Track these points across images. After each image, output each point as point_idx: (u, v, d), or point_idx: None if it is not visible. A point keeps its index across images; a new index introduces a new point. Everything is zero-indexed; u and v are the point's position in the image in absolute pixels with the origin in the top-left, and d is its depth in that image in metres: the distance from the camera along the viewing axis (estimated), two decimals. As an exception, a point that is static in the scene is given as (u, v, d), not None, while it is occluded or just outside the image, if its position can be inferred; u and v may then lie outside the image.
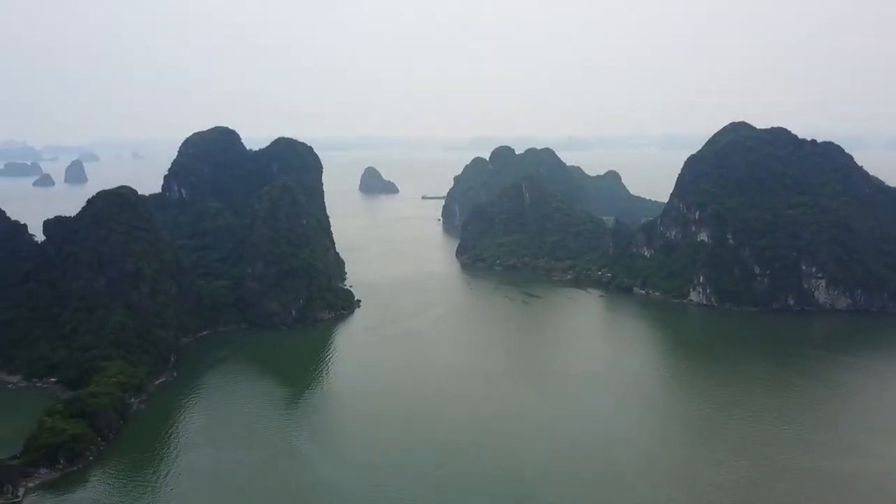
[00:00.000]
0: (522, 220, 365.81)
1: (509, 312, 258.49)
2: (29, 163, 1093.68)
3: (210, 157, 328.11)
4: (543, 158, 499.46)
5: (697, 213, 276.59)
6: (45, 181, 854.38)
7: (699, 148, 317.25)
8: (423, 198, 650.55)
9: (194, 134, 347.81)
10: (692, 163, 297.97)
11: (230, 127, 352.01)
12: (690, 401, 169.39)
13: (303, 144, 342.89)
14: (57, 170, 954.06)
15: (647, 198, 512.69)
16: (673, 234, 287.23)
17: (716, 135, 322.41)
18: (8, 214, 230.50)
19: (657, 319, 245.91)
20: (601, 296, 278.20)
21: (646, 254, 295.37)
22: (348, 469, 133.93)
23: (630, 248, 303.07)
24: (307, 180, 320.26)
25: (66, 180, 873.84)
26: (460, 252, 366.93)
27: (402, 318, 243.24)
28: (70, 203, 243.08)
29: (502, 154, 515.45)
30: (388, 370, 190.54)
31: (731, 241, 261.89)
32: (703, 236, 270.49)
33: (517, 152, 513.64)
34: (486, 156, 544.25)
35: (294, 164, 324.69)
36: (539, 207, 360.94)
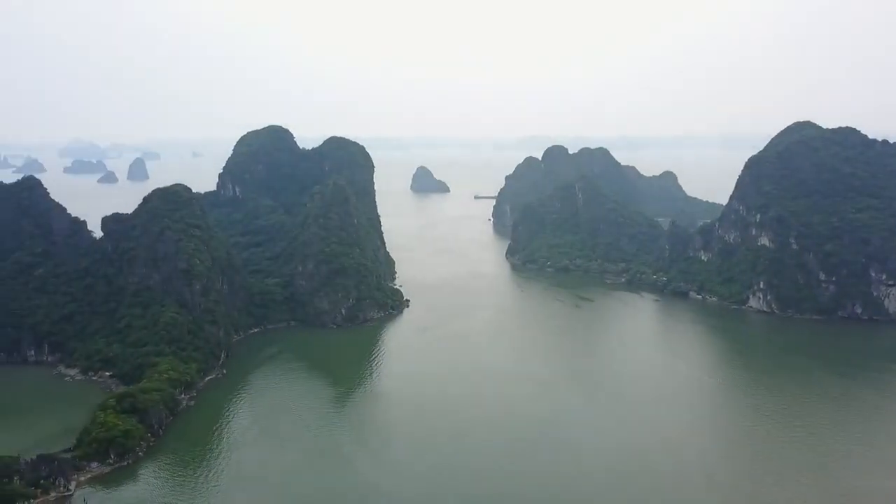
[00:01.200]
0: (575, 221, 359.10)
1: (560, 316, 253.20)
2: (95, 160, 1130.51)
3: (264, 155, 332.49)
4: (597, 158, 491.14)
5: (758, 216, 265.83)
6: (109, 178, 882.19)
7: (760, 148, 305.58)
8: (476, 197, 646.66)
9: (248, 133, 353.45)
10: (753, 163, 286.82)
11: (284, 126, 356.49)
12: (750, 413, 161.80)
13: (355, 143, 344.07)
14: (120, 167, 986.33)
15: (705, 199, 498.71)
16: (732, 237, 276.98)
17: (779, 135, 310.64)
18: (73, 210, 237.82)
19: (714, 326, 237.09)
20: (656, 300, 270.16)
21: (703, 257, 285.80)
22: (392, 474, 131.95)
23: (686, 251, 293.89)
24: (359, 179, 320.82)
25: (129, 177, 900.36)
26: (510, 253, 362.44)
27: (451, 319, 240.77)
28: (131, 199, 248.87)
29: (555, 153, 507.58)
30: (435, 372, 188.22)
31: (794, 246, 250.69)
32: (765, 240, 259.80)
33: (570, 152, 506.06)
34: (539, 155, 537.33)
35: (346, 163, 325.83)
36: (592, 208, 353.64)
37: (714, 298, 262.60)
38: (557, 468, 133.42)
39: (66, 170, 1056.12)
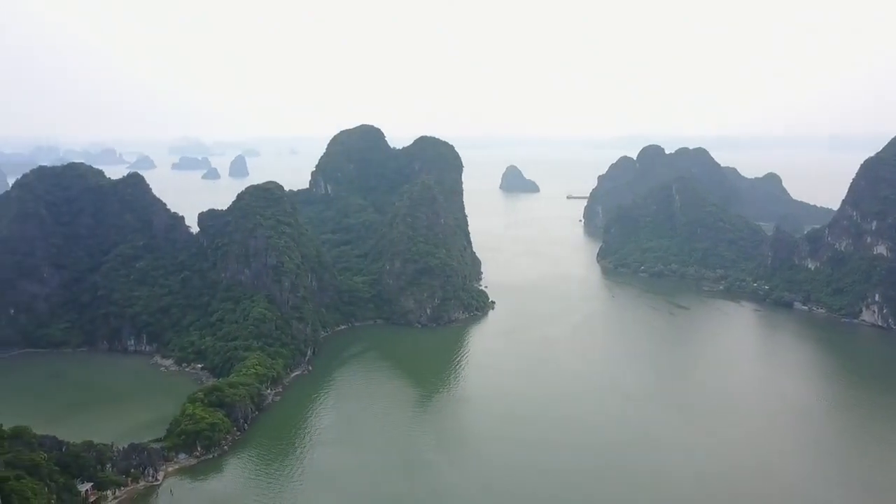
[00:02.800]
0: (671, 224, 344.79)
1: (653, 324, 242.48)
2: (200, 157, 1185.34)
3: (355, 154, 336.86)
4: (696, 158, 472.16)
5: (875, 224, 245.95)
6: (212, 174, 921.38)
7: (875, 150, 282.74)
8: (569, 197, 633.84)
9: (341, 132, 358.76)
10: (870, 166, 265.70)
11: (375, 125, 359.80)
12: (861, 438, 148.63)
13: (444, 143, 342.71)
14: (223, 164, 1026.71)
15: (812, 203, 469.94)
16: (843, 245, 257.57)
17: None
18: (175, 205, 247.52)
19: (821, 340, 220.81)
20: (756, 310, 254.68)
21: (810, 266, 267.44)
22: (472, 484, 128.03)
23: (791, 258, 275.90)
24: (447, 179, 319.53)
25: (231, 174, 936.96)
26: (602, 256, 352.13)
27: (538, 324, 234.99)
28: (231, 195, 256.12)
29: (651, 153, 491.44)
30: (519, 379, 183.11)
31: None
32: (882, 249, 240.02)
33: (667, 151, 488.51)
34: (633, 154, 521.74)
35: (435, 162, 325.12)
36: (690, 211, 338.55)
37: (822, 310, 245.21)
38: (645, 490, 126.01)
39: (174, 166, 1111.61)
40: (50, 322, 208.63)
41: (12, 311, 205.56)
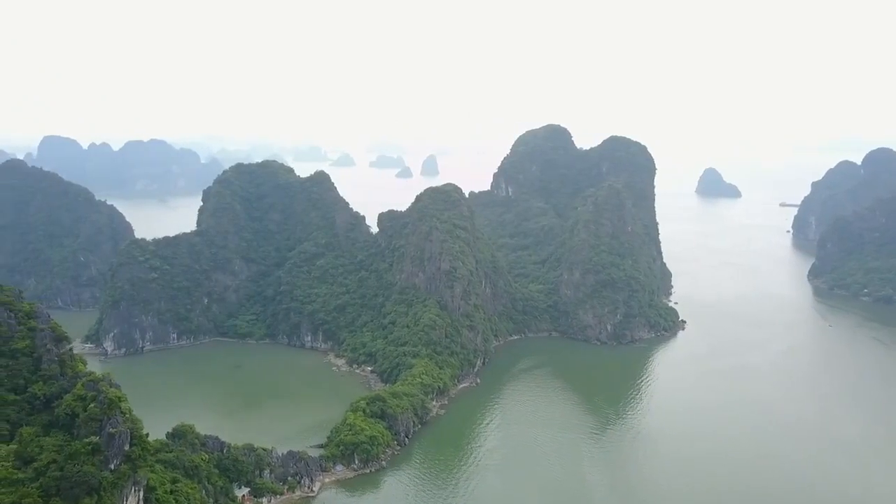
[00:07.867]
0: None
1: (877, 360, 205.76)
2: (395, 156, 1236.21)
3: (539, 155, 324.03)
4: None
5: None
6: (405, 173, 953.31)
7: None
8: (782, 205, 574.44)
9: (527, 132, 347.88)
10: None
11: (562, 125, 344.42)
12: None
13: (636, 143, 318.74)
14: (416, 163, 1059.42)
15: None
16: None
17: None
18: (365, 203, 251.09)
19: None
20: None
21: None
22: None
23: None
24: (637, 182, 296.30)
25: (422, 173, 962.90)
26: (814, 274, 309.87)
27: (735, 350, 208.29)
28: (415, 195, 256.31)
29: (879, 158, 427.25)
30: (710, 416, 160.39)
31: None
32: None
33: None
34: (853, 158, 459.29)
35: (624, 164, 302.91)
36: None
37: None
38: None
39: (371, 164, 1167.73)
40: (238, 313, 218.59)
41: (206, 300, 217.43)
